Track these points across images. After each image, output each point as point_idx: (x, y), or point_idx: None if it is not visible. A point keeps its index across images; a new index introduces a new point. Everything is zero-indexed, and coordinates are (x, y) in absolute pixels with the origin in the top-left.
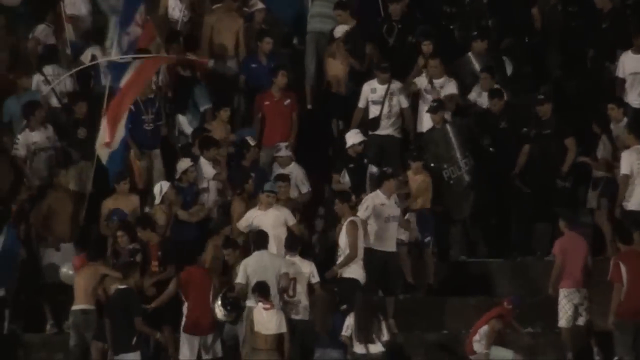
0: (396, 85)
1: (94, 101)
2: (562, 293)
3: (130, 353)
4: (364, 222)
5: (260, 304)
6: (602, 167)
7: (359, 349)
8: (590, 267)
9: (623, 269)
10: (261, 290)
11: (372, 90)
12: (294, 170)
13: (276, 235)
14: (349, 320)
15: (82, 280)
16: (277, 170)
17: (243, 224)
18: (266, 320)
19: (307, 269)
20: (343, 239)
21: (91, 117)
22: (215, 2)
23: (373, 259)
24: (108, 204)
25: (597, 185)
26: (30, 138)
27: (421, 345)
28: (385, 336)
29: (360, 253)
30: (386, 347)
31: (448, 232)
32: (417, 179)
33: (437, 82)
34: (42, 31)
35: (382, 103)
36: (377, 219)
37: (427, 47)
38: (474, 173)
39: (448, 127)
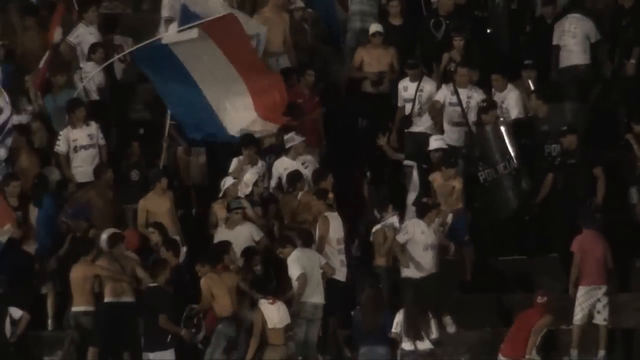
0: (427, 82)
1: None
2: (581, 291)
3: (166, 351)
4: (403, 246)
5: (263, 300)
6: None
7: (407, 345)
8: (610, 265)
9: None
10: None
11: (404, 88)
12: (308, 159)
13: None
14: (399, 317)
15: (80, 280)
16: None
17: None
18: (277, 314)
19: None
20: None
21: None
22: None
23: (409, 286)
24: (144, 204)
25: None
26: (72, 135)
27: (464, 343)
28: (434, 334)
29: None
30: (434, 344)
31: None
32: (447, 185)
33: (463, 91)
34: (80, 30)
35: (413, 100)
36: (416, 247)
37: (458, 42)
38: (516, 177)
39: (488, 128)
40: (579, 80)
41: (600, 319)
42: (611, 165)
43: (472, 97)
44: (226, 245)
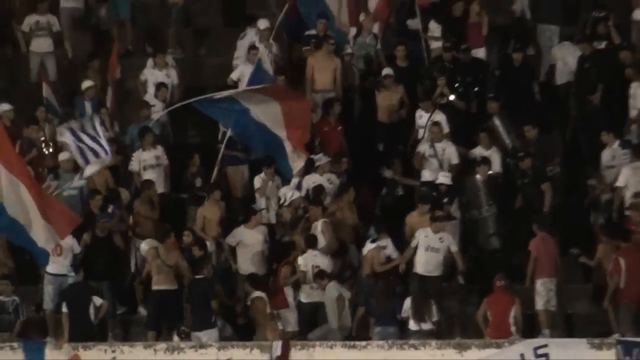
0: (438, 114)
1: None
2: (539, 282)
3: (213, 329)
4: (413, 250)
5: (257, 292)
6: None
7: (413, 326)
8: (558, 261)
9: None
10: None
11: (419, 117)
12: (332, 177)
13: (262, 250)
14: (407, 304)
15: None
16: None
17: (231, 239)
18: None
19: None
20: (321, 237)
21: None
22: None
23: (415, 279)
24: (202, 211)
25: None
26: (142, 156)
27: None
28: (435, 316)
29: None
30: (435, 325)
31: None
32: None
33: (439, 145)
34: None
35: (425, 127)
36: (420, 248)
37: (441, 82)
38: (498, 218)
39: (478, 177)
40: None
41: (550, 305)
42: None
43: (445, 150)
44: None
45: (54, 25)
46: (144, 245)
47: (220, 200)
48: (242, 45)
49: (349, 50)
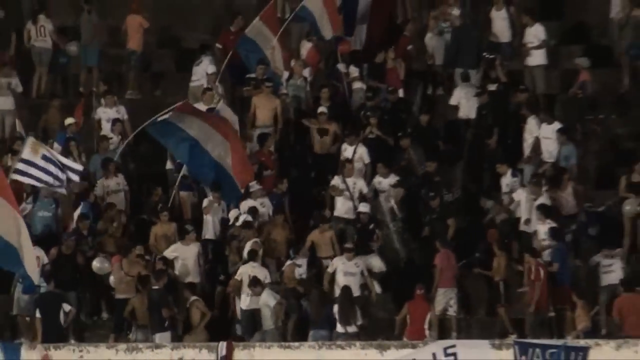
0: (361, 147)
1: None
2: (441, 291)
3: (165, 332)
4: (330, 275)
5: (194, 297)
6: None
7: (340, 329)
8: (457, 273)
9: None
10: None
11: (344, 149)
12: (265, 200)
13: (196, 262)
14: (335, 309)
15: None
16: (248, 203)
17: (170, 254)
18: None
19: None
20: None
21: None
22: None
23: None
24: (154, 229)
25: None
26: (105, 183)
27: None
28: (359, 321)
29: None
30: (359, 328)
31: None
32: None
33: (350, 180)
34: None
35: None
36: (339, 272)
37: (373, 121)
38: (402, 232)
39: (381, 199)
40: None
41: (452, 311)
42: None
43: (357, 183)
44: None
45: (17, 86)
46: (96, 263)
47: (169, 221)
48: (198, 70)
49: (283, 91)
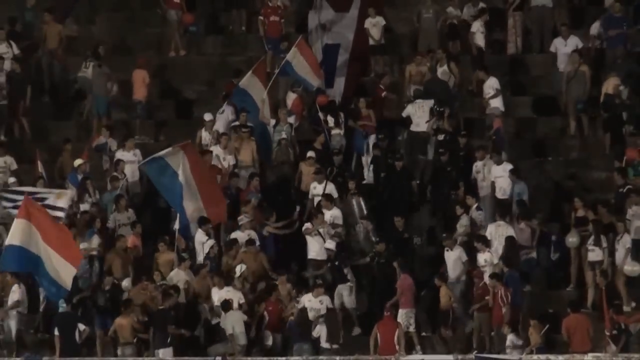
0: (329, 184)
1: None
2: (402, 312)
3: (167, 348)
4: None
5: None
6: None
7: (325, 345)
8: (416, 295)
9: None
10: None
11: (313, 187)
12: (252, 233)
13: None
14: (317, 327)
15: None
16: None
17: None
18: None
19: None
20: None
21: None
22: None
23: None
24: (156, 257)
25: None
26: (117, 216)
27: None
28: (341, 339)
29: None
30: (340, 346)
31: None
32: None
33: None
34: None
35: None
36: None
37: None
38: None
39: (353, 200)
40: None
41: (412, 329)
42: None
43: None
44: None
45: (12, 165)
46: (124, 283)
47: (168, 250)
48: (222, 118)
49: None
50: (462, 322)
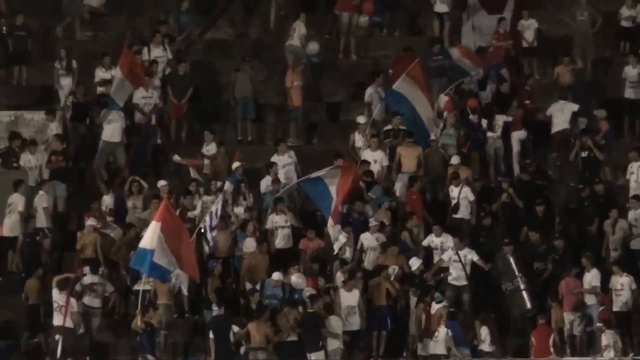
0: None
1: None
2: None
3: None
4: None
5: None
6: None
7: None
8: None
9: None
10: None
11: (451, 190)
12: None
13: None
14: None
15: None
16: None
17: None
18: None
19: None
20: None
21: None
22: None
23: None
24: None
25: None
26: (275, 219)
27: None
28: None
29: None
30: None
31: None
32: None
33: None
34: None
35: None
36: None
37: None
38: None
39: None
40: None
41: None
42: None
43: (444, 242)
44: None
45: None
46: (294, 279)
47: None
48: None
49: (433, 138)
50: None
